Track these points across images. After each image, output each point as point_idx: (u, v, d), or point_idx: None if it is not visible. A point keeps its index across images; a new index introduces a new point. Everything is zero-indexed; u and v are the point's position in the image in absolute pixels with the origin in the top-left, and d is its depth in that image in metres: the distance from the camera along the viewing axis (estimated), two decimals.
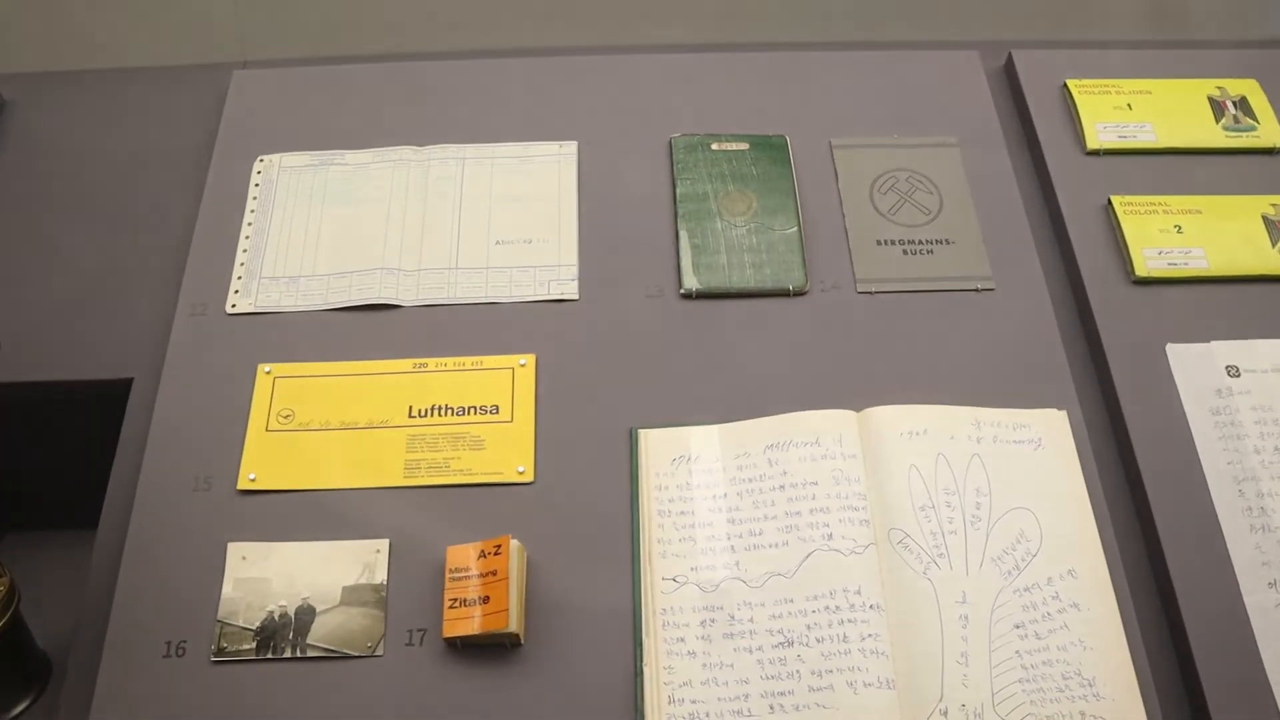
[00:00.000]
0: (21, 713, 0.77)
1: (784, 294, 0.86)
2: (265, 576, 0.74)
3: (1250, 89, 0.98)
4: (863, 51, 1.02)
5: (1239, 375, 0.83)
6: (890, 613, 0.72)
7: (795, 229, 0.89)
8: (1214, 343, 0.84)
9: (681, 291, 0.86)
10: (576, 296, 0.86)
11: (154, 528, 0.76)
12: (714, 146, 0.93)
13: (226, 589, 0.74)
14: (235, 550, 0.75)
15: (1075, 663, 0.71)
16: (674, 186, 0.91)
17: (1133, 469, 0.80)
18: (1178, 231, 0.89)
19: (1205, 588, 0.75)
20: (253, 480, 0.77)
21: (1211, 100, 0.98)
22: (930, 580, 0.73)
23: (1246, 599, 0.74)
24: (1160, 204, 0.91)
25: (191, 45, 1.05)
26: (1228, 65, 1.00)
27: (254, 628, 0.72)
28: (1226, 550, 0.76)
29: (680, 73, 0.99)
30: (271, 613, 0.73)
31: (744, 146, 0.93)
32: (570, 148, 0.94)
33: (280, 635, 0.72)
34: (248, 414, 0.80)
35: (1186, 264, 0.88)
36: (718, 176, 0.91)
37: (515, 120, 0.95)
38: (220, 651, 0.72)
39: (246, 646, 0.72)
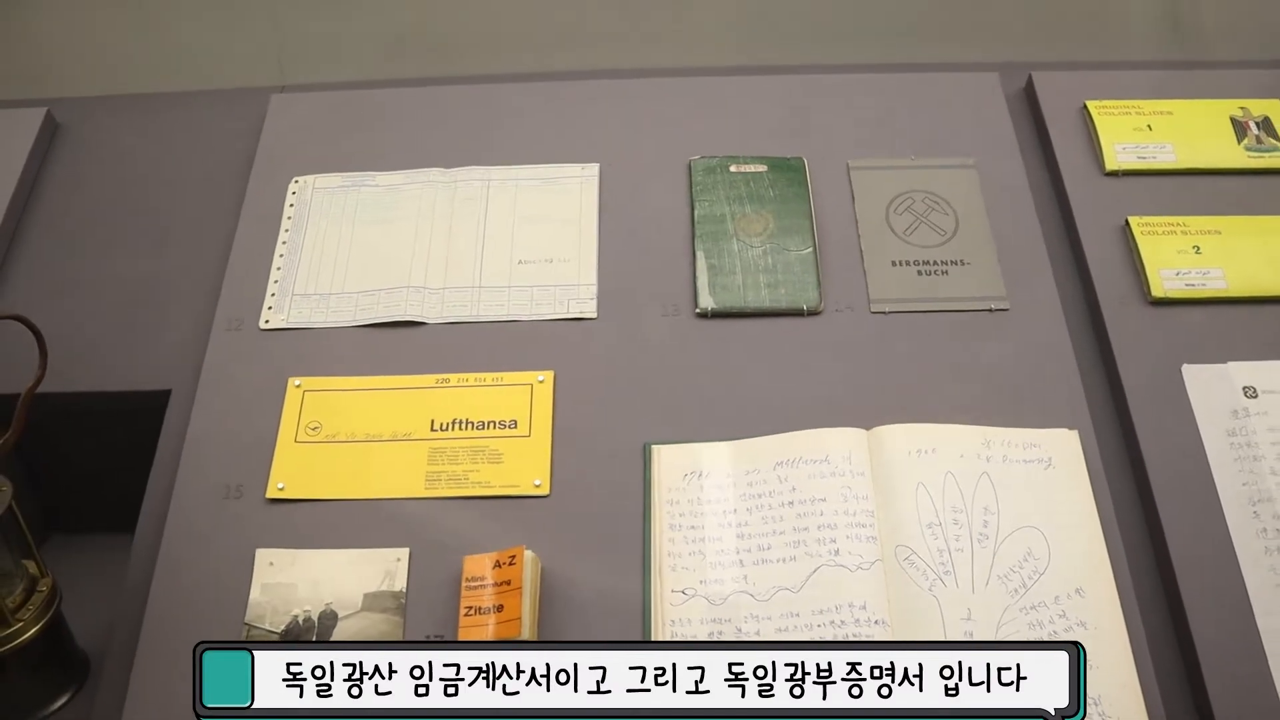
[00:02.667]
0: (61, 707, 0.81)
1: (798, 314, 0.87)
2: (291, 582, 0.77)
3: (1274, 109, 0.98)
4: (883, 74, 1.03)
5: (1256, 396, 0.83)
6: (895, 628, 0.73)
7: (811, 250, 0.90)
8: (1231, 363, 0.84)
9: (697, 311, 0.88)
10: (595, 315, 0.88)
11: (187, 533, 0.79)
12: (732, 168, 0.95)
13: (254, 593, 0.77)
14: (263, 556, 0.78)
15: None
16: (692, 208, 0.93)
17: (1145, 489, 0.80)
18: (1196, 252, 0.89)
19: (1217, 609, 0.75)
20: (281, 489, 0.81)
21: (1234, 121, 0.98)
22: (935, 597, 0.74)
23: (1260, 621, 0.74)
24: (1179, 225, 0.91)
25: (232, 70, 1.09)
26: (1251, 86, 1.00)
27: (279, 631, 0.75)
28: (1240, 572, 0.76)
29: (700, 96, 1.01)
30: (296, 617, 0.76)
31: (762, 168, 0.95)
32: (592, 170, 0.96)
33: (304, 639, 0.75)
34: (278, 425, 0.83)
35: (1204, 285, 0.88)
36: (735, 198, 0.93)
37: (539, 143, 0.98)
38: None
39: None
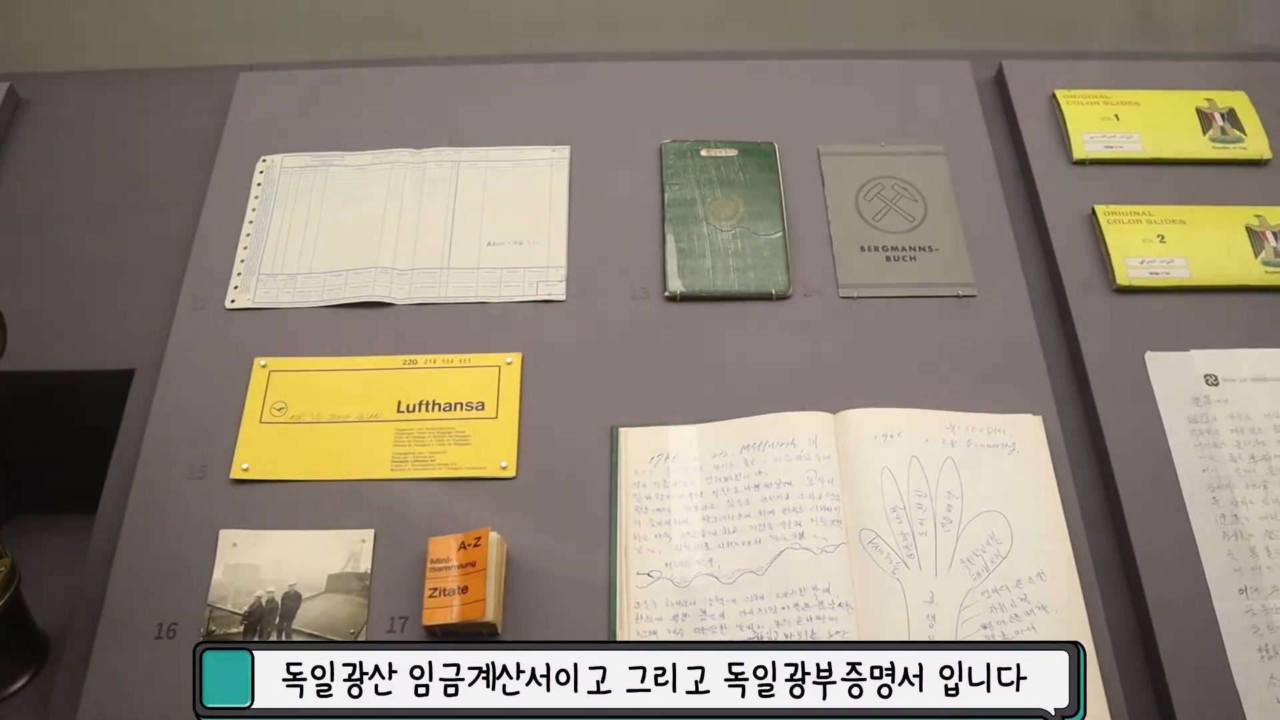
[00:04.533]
0: (20, 689, 0.80)
1: (767, 298, 0.88)
2: (255, 563, 0.77)
3: (1239, 101, 0.99)
4: (854, 60, 1.03)
5: (1217, 384, 0.84)
6: (858, 611, 0.74)
7: (780, 234, 0.90)
8: (1193, 351, 0.85)
9: (666, 294, 0.88)
10: (564, 297, 0.88)
11: (150, 513, 0.79)
12: (703, 153, 0.95)
13: (217, 574, 0.76)
14: (227, 537, 0.77)
15: None
16: (663, 191, 0.93)
17: (1108, 474, 0.81)
18: (1160, 241, 0.90)
19: (1176, 593, 0.76)
20: (246, 470, 0.80)
21: (1199, 112, 0.98)
22: (899, 580, 0.75)
23: (1217, 605, 0.75)
24: (1144, 213, 0.92)
25: (200, 48, 1.08)
26: (1217, 77, 1.01)
27: (242, 612, 0.75)
28: (1198, 556, 0.77)
29: (672, 80, 1.01)
30: (259, 598, 0.75)
31: (733, 153, 0.95)
32: (563, 152, 0.96)
33: (267, 620, 0.74)
34: (243, 406, 0.83)
35: (1168, 273, 0.89)
36: (706, 182, 0.93)
37: (510, 125, 0.98)
38: (209, 634, 0.74)
39: (235, 630, 0.74)
